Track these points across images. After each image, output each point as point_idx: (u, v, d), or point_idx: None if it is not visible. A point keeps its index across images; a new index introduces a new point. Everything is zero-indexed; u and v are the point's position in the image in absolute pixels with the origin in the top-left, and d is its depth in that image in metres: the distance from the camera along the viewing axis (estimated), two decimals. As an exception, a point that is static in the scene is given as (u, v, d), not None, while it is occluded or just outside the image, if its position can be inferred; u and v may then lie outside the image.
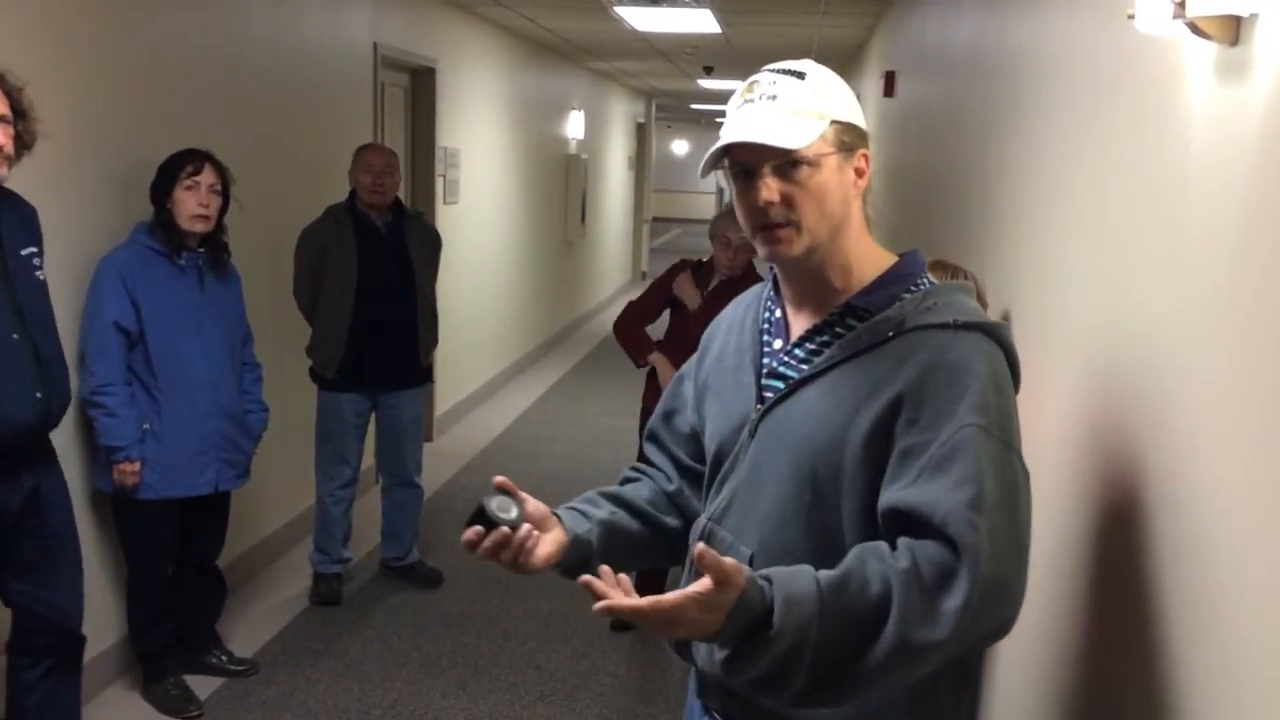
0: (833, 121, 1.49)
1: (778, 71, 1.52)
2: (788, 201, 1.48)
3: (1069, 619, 1.86)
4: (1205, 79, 1.39)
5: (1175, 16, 1.29)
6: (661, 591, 1.36)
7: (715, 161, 1.54)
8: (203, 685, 3.68)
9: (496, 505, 1.56)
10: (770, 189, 1.48)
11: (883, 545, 1.39)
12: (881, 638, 1.33)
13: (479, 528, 1.55)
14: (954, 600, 1.32)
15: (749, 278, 4.08)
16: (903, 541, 1.38)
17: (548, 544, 1.63)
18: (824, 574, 1.36)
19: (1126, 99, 1.75)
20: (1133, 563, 1.54)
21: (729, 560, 1.32)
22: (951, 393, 1.40)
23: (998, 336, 1.47)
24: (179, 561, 3.63)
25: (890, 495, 1.41)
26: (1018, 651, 2.22)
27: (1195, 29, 1.29)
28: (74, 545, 2.90)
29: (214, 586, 3.81)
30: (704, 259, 4.20)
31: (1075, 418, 1.91)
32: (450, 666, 3.96)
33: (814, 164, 1.48)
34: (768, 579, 1.35)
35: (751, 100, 1.50)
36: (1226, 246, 1.29)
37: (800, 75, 1.51)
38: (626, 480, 1.81)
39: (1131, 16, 1.42)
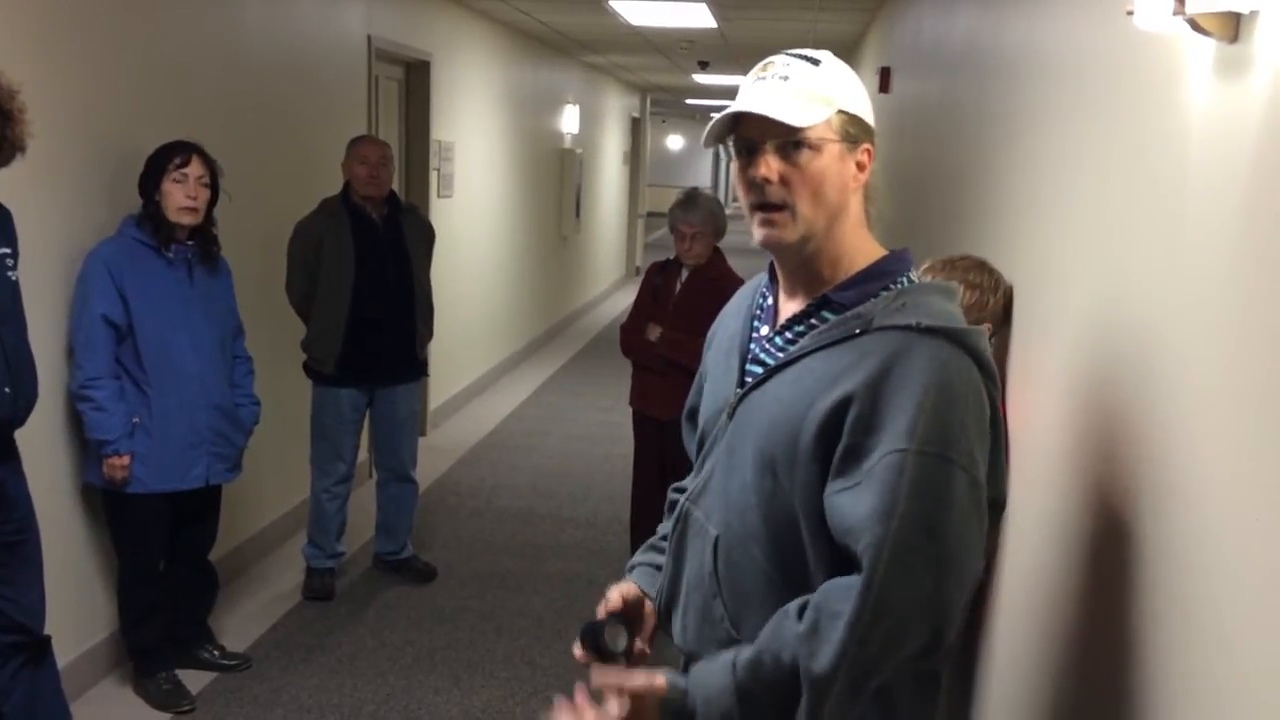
0: (840, 110, 1.51)
1: (794, 56, 1.55)
2: (785, 182, 1.50)
3: (1061, 617, 1.85)
4: (1204, 76, 1.38)
5: (1175, 13, 1.28)
6: None
7: (720, 133, 1.56)
8: (195, 680, 3.67)
9: (609, 637, 1.66)
10: (770, 166, 1.50)
11: (793, 608, 1.45)
12: (802, 694, 1.41)
13: (589, 653, 1.66)
14: (838, 621, 1.38)
15: (716, 265, 4.08)
16: (816, 596, 1.44)
17: (648, 624, 1.74)
18: (740, 656, 1.46)
19: (1125, 96, 1.74)
20: (1124, 563, 1.54)
21: (640, 683, 1.48)
22: (898, 400, 1.40)
23: (963, 342, 1.45)
24: (171, 556, 3.62)
25: (832, 497, 1.44)
26: (1010, 651, 2.22)
27: (1195, 26, 1.28)
28: (36, 542, 2.87)
29: (206, 581, 3.79)
30: (671, 257, 4.26)
31: (1070, 416, 1.90)
32: (443, 662, 3.95)
33: (815, 147, 1.50)
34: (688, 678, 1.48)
35: (764, 79, 1.53)
36: (1225, 244, 1.28)
37: (815, 62, 1.54)
38: (673, 504, 1.85)
39: (1131, 13, 1.41)
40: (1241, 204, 1.24)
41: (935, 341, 1.44)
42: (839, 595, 1.40)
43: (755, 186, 1.51)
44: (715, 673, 1.46)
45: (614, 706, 1.47)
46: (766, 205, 1.51)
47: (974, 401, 1.44)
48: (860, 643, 1.37)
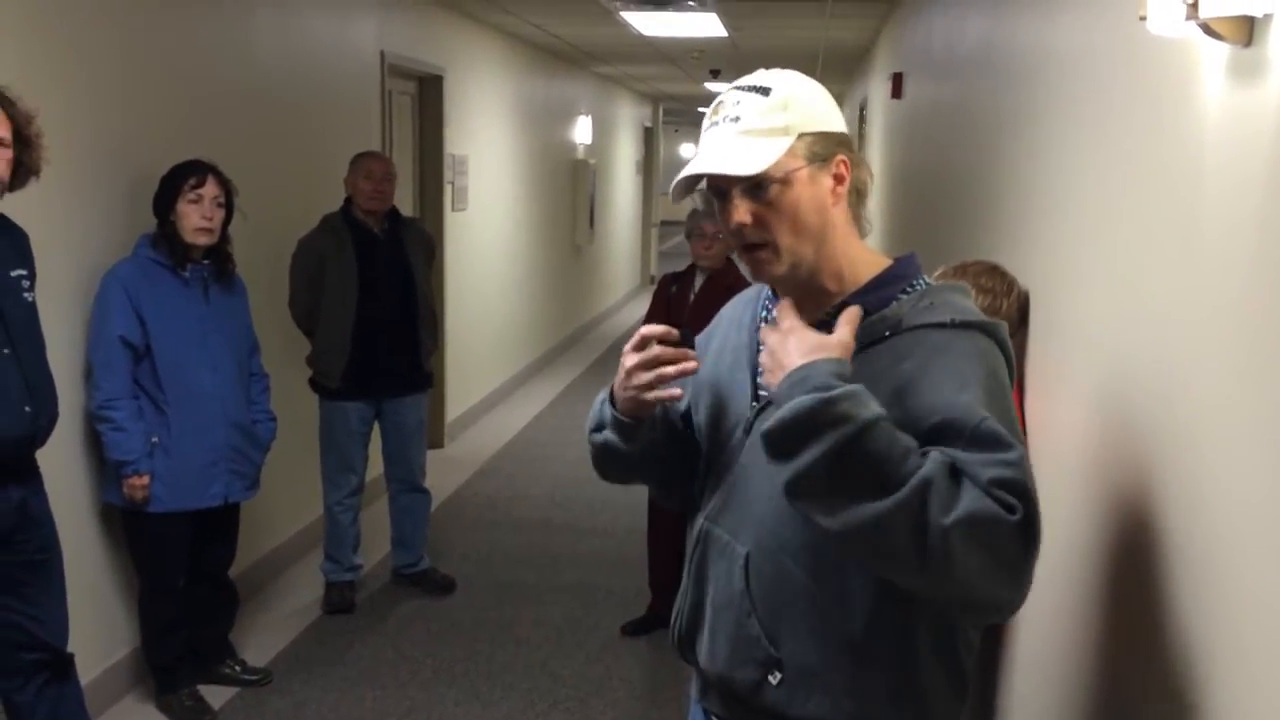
0: (800, 135, 1.48)
1: (743, 89, 1.51)
2: (760, 222, 1.48)
3: (1083, 619, 1.84)
4: (1218, 80, 1.37)
5: (1188, 18, 1.27)
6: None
7: (687, 187, 1.55)
8: (217, 695, 3.68)
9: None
10: (741, 211, 1.48)
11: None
12: (899, 492, 1.30)
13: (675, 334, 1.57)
14: (1013, 525, 1.30)
15: (732, 270, 4.08)
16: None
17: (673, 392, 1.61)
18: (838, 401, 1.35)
19: (1138, 101, 1.73)
20: (1144, 564, 1.53)
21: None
22: (952, 385, 1.40)
23: (995, 335, 1.49)
24: (191, 573, 3.62)
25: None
26: (1031, 655, 2.21)
27: (1208, 30, 1.28)
28: (59, 561, 2.88)
29: (226, 597, 3.81)
30: (683, 268, 4.24)
31: (1088, 420, 1.89)
32: (463, 674, 3.95)
33: (784, 181, 1.47)
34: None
35: (716, 123, 1.51)
36: (1241, 249, 1.27)
37: (765, 91, 1.50)
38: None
39: (1143, 18, 1.40)
40: (1258, 208, 1.23)
41: (972, 334, 1.46)
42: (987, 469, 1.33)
43: (734, 231, 1.51)
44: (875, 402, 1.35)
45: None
46: (749, 246, 1.51)
47: (1007, 390, 1.47)
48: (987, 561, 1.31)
